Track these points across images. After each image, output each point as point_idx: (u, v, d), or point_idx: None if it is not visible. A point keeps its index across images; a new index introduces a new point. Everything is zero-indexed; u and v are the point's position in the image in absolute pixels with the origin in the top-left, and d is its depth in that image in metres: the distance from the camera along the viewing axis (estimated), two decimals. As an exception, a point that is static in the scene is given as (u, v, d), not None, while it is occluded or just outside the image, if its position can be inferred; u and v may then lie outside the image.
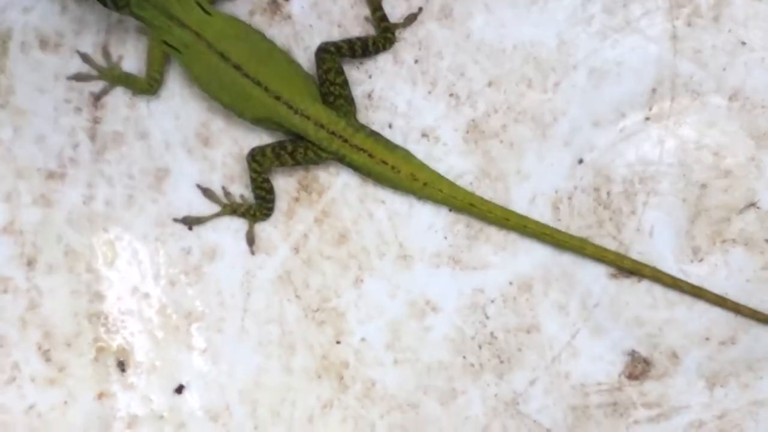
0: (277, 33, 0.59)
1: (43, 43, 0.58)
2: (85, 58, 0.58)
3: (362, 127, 0.57)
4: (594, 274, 0.58)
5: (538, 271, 0.58)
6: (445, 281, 0.58)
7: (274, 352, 0.58)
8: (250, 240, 0.58)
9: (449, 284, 0.58)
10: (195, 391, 0.58)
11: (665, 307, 0.58)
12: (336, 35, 0.59)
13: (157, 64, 0.57)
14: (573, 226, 0.58)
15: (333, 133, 0.56)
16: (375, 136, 0.57)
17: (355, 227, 0.59)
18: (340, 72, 0.56)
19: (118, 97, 0.58)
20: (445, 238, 0.58)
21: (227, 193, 0.58)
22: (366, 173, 0.57)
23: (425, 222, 0.58)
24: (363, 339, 0.58)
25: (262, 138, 0.58)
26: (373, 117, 0.58)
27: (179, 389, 0.58)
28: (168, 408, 0.58)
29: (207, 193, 0.58)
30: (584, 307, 0.58)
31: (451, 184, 0.57)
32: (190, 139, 0.58)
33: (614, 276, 0.58)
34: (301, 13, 0.59)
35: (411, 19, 0.58)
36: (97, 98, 0.58)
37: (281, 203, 0.59)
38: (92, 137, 0.58)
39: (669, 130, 0.58)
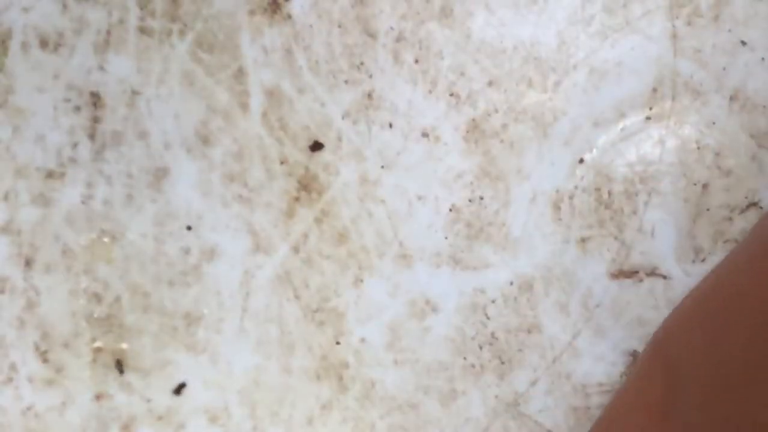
0: (277, 33, 0.58)
1: (43, 43, 0.58)
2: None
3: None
4: (595, 273, 0.58)
5: (538, 270, 0.58)
6: (446, 281, 0.58)
7: (274, 353, 0.58)
8: None
9: (449, 284, 0.58)
10: (194, 392, 0.58)
11: (666, 308, 0.57)
12: (336, 35, 0.59)
13: None
14: (574, 225, 0.58)
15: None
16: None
17: (354, 227, 0.58)
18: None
19: (118, 96, 0.58)
20: (446, 237, 0.58)
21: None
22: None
23: (425, 222, 0.58)
24: (363, 339, 0.58)
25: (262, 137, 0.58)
26: (373, 116, 0.58)
27: (178, 390, 0.58)
28: (166, 409, 0.58)
29: None
30: (585, 308, 0.58)
31: None
32: (189, 138, 0.58)
33: (615, 276, 0.58)
34: (301, 13, 0.59)
35: None
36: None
37: (281, 203, 0.58)
38: (91, 136, 0.58)
39: (670, 129, 0.58)
